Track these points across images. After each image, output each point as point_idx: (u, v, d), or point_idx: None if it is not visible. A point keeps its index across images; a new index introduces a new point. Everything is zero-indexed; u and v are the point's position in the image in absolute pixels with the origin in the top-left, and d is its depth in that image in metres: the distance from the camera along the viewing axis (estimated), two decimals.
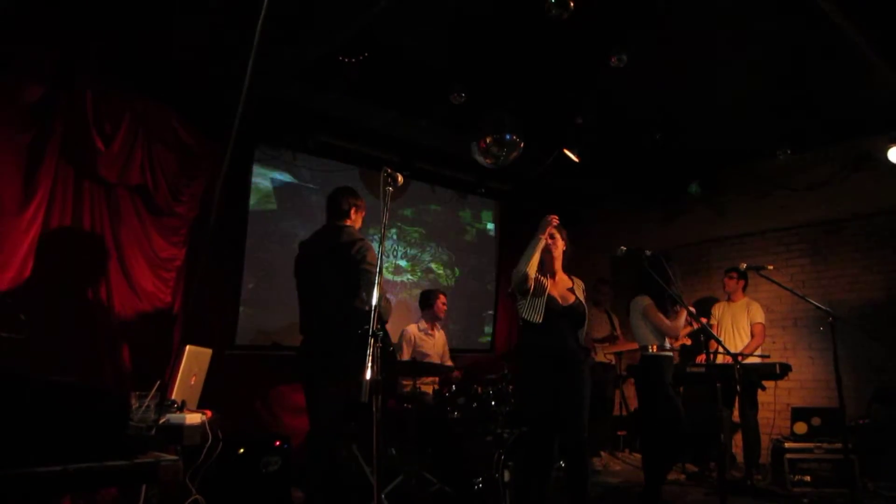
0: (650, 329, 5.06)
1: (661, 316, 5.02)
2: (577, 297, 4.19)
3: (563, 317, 4.08)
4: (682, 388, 6.37)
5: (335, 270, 3.89)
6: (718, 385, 5.17)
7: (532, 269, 4.04)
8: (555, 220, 4.15)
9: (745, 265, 5.54)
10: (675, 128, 6.23)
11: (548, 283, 4.16)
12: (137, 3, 4.20)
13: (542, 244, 4.09)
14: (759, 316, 6.31)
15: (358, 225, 4.20)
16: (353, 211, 4.17)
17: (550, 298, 4.08)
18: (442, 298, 6.29)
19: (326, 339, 3.84)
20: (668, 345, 5.08)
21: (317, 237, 4.20)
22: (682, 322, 5.10)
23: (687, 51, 4.97)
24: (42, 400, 2.02)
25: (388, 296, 3.96)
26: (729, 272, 6.51)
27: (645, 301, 5.09)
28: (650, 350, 5.03)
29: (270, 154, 6.10)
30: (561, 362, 4.01)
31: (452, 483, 5.01)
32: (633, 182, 7.72)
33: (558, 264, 4.26)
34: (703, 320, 5.15)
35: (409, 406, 5.22)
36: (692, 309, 5.13)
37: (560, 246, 4.25)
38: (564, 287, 4.23)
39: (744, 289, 6.48)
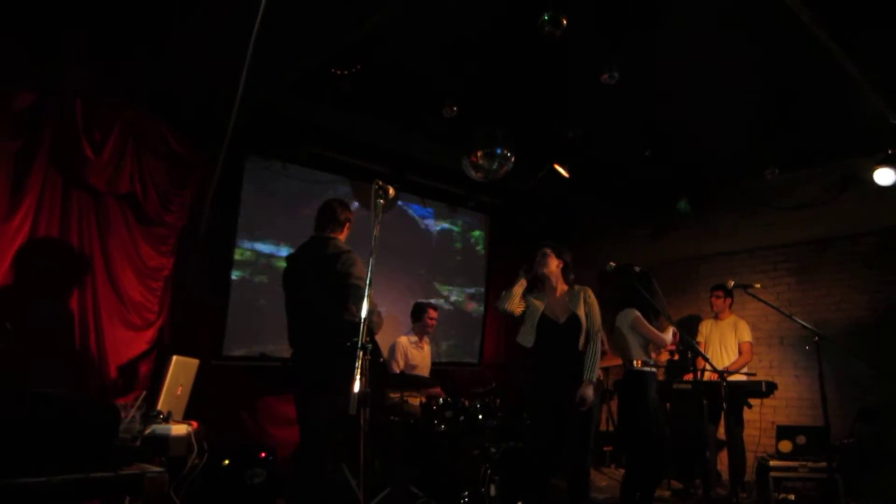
0: (637, 343, 5.07)
1: (651, 326, 5.04)
2: (572, 312, 4.25)
3: (558, 335, 4.13)
4: (668, 405, 6.39)
5: (321, 283, 3.87)
6: (705, 402, 5.22)
7: (511, 305, 4.28)
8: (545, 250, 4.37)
9: (732, 283, 5.58)
10: (665, 145, 6.28)
11: (542, 302, 4.27)
12: (131, 11, 4.20)
13: (520, 285, 4.30)
14: (747, 334, 6.36)
15: (344, 238, 4.19)
16: (346, 224, 4.17)
17: (543, 319, 4.19)
18: (432, 312, 6.30)
19: (315, 352, 3.84)
20: (652, 360, 5.09)
21: (303, 250, 4.18)
22: (669, 337, 5.13)
23: (678, 70, 5.04)
24: (27, 411, 2.01)
25: (378, 309, 3.96)
26: (715, 290, 6.55)
27: (633, 313, 5.11)
28: (635, 365, 5.05)
29: (261, 165, 6.09)
30: (555, 387, 4.06)
31: (439, 497, 4.99)
32: (623, 198, 7.77)
33: (556, 281, 4.37)
34: (677, 337, 5.17)
35: (396, 419, 5.21)
36: (674, 327, 5.16)
37: (552, 265, 4.36)
38: (563, 302, 4.30)
39: (730, 306, 6.54)
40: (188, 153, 5.19)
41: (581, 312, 4.27)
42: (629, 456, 5.09)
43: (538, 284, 4.46)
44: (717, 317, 6.55)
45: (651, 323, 5.09)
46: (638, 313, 5.09)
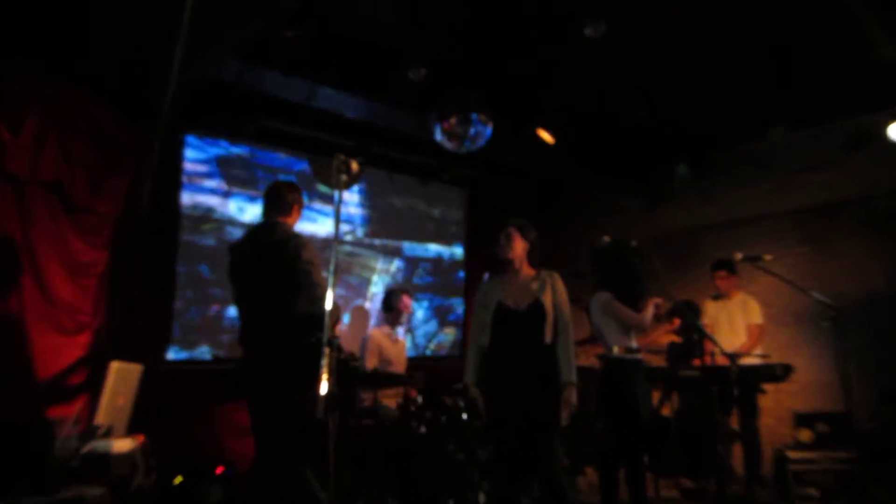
0: (614, 327, 5.07)
1: (625, 308, 5.03)
2: (536, 298, 4.14)
3: (517, 325, 4.09)
4: (674, 394, 6.43)
5: (270, 273, 3.87)
6: (714, 389, 5.23)
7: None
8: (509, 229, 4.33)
9: (740, 255, 5.55)
10: (659, 105, 6.29)
11: (502, 289, 4.21)
12: None
13: (476, 356, 4.22)
14: (756, 315, 6.37)
15: (294, 223, 4.18)
16: (295, 208, 4.17)
17: (500, 308, 4.14)
18: (406, 299, 6.27)
19: (269, 350, 3.82)
20: (635, 345, 5.09)
21: (248, 238, 4.17)
22: (650, 313, 5.11)
23: (671, 19, 5.02)
24: None
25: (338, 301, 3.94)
26: (717, 270, 6.52)
27: (603, 296, 5.11)
28: (616, 352, 5.04)
29: (205, 142, 6.02)
30: (517, 389, 4.00)
31: None
32: (615, 165, 7.77)
33: (519, 264, 4.29)
34: (676, 322, 5.17)
35: (370, 422, 5.19)
36: (659, 300, 5.14)
37: (518, 247, 4.29)
38: (523, 287, 4.21)
39: (736, 284, 6.57)
40: (121, 132, 5.10)
41: (547, 299, 4.16)
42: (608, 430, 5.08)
43: (500, 270, 4.37)
44: (723, 296, 6.58)
45: (633, 304, 5.08)
46: (609, 295, 5.09)
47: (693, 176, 7.36)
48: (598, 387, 5.19)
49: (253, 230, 4.17)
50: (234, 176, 6.28)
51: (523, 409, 3.96)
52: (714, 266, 6.60)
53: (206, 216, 6.08)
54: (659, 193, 7.89)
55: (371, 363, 5.87)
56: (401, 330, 6.33)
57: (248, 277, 3.97)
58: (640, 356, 5.04)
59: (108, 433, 3.25)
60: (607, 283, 5.10)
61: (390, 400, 5.90)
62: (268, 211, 4.14)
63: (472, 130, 5.64)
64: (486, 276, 4.43)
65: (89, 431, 3.08)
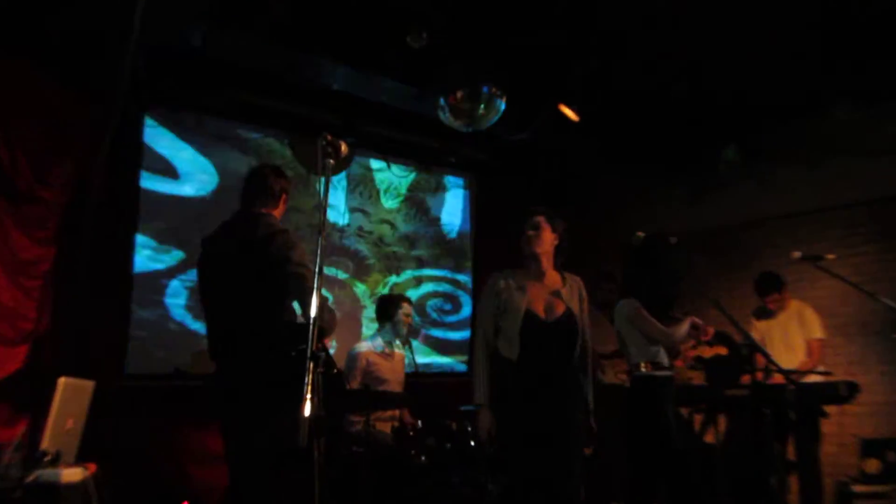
0: (639, 339, 5.10)
1: (652, 320, 5.05)
2: (567, 307, 4.10)
3: (547, 338, 4.05)
4: (719, 417, 6.44)
5: (252, 274, 3.83)
6: (767, 412, 5.24)
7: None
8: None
9: (798, 254, 5.57)
10: (704, 75, 6.29)
11: (526, 293, 4.09)
12: None
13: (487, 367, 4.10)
14: (817, 329, 6.36)
15: (280, 215, 4.16)
16: (283, 198, 4.14)
17: (529, 316, 4.01)
18: (406, 306, 6.27)
19: (245, 366, 3.82)
20: (665, 361, 5.12)
21: (225, 231, 4.10)
22: (683, 331, 5.14)
23: None
24: None
25: (329, 304, 3.93)
26: (768, 293, 6.48)
27: (631, 305, 5.13)
28: (643, 369, 5.08)
29: (168, 119, 6.06)
30: (542, 411, 3.96)
31: None
32: (651, 148, 7.78)
33: (546, 263, 4.18)
34: (710, 330, 5.18)
35: (361, 450, 5.22)
36: (699, 321, 5.16)
37: (547, 240, 4.17)
38: (551, 292, 4.15)
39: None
40: (70, 108, 5.13)
41: (576, 309, 4.14)
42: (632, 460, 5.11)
43: (521, 266, 4.24)
44: (772, 313, 6.57)
45: (666, 315, 5.10)
46: (638, 304, 5.12)
47: (743, 160, 7.36)
48: (627, 406, 5.23)
49: (231, 222, 4.10)
50: (202, 158, 6.33)
51: (559, 439, 3.93)
52: (763, 289, 6.54)
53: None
54: (703, 181, 7.90)
55: (354, 384, 5.81)
56: (397, 343, 6.33)
57: (223, 279, 3.93)
58: (670, 373, 5.07)
59: (56, 460, 3.29)
60: (636, 288, 5.12)
61: (384, 424, 5.92)
62: (250, 200, 4.07)
63: (481, 106, 5.65)
64: (496, 276, 4.23)
65: (34, 458, 3.12)
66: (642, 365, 5.05)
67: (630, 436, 5.19)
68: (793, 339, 6.40)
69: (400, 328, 6.21)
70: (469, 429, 5.37)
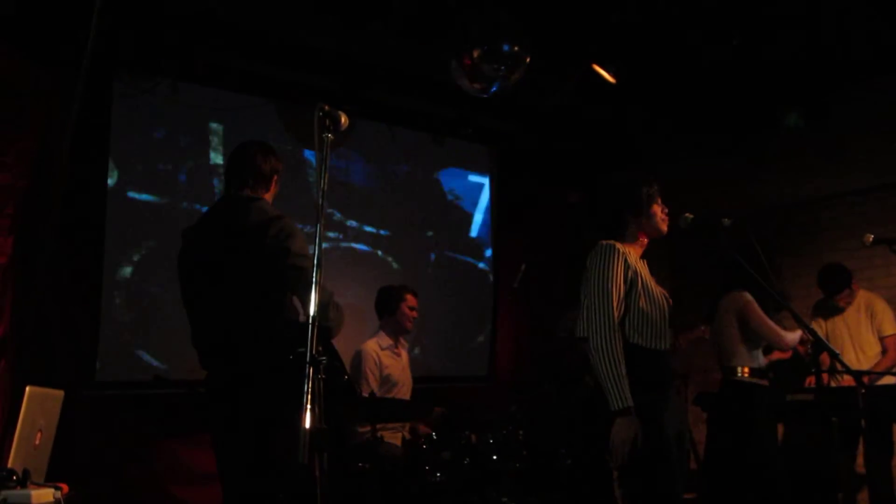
0: (746, 340, 5.11)
1: (768, 319, 5.06)
2: (665, 294, 3.99)
3: (666, 325, 3.90)
4: (780, 425, 6.46)
5: (243, 267, 3.86)
6: (834, 420, 5.26)
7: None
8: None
9: (871, 238, 5.57)
10: (761, 27, 6.26)
11: (642, 272, 3.93)
12: None
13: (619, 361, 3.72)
14: (890, 323, 6.42)
15: (271, 198, 4.16)
16: (274, 179, 4.15)
17: (652, 300, 3.86)
18: (410, 298, 6.33)
19: (237, 371, 3.83)
20: (764, 366, 5.13)
21: (212, 219, 4.14)
22: (795, 339, 5.15)
23: None
24: None
25: (335, 299, 3.91)
26: (838, 293, 6.53)
27: (744, 298, 5.13)
28: (740, 374, 5.09)
29: (139, 86, 6.09)
30: (675, 406, 4.00)
31: None
32: (698, 114, 7.75)
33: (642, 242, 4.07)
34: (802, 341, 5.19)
35: (368, 465, 5.26)
36: (802, 329, 5.15)
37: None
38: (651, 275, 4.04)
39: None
40: (26, 77, 5.15)
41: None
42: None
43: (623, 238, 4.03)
44: (838, 309, 6.61)
45: (769, 311, 5.12)
46: (750, 297, 5.12)
47: (808, 127, 7.32)
48: (718, 413, 5.23)
49: (216, 209, 4.16)
50: (180, 133, 6.38)
51: (679, 429, 3.97)
52: (831, 287, 6.57)
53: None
54: (761, 153, 7.87)
55: (368, 387, 5.86)
56: (403, 340, 6.43)
57: (210, 275, 3.94)
58: (766, 381, 5.09)
59: (24, 481, 3.33)
60: (744, 281, 5.11)
61: (394, 436, 5.95)
62: (236, 182, 4.09)
63: (502, 67, 5.65)
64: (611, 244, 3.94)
65: None
66: (741, 369, 5.05)
67: (718, 446, 5.21)
68: (862, 335, 6.43)
69: (404, 323, 6.28)
70: (491, 441, 5.40)
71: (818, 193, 7.79)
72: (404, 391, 6.22)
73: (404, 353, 6.41)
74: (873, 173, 7.43)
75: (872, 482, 6.04)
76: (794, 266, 7.78)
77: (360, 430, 5.72)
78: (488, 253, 8.26)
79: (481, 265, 8.21)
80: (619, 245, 3.83)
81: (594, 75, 6.50)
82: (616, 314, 3.68)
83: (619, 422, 3.54)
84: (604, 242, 3.86)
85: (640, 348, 3.74)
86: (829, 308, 6.65)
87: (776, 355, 6.30)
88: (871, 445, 5.98)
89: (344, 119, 3.10)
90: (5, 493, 3.13)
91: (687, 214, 4.79)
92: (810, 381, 6.13)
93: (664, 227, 4.00)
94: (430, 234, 7.87)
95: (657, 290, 3.91)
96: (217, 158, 6.48)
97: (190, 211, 6.23)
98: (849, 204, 7.64)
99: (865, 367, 6.19)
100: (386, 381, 6.05)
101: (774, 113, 7.33)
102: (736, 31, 6.23)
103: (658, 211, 3.96)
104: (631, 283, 3.78)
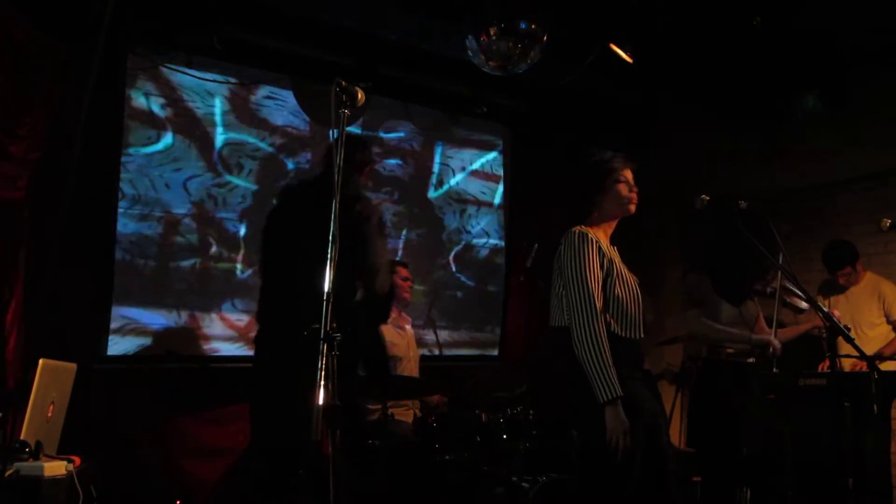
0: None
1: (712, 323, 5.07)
2: (636, 277, 4.07)
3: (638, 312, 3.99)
4: (791, 410, 6.46)
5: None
6: (847, 405, 5.26)
7: None
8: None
9: (888, 222, 5.58)
10: (781, 7, 6.23)
11: (614, 255, 4.01)
12: None
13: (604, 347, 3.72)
14: None
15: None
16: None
17: (627, 288, 3.94)
18: (402, 271, 6.39)
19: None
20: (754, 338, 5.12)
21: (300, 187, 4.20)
22: (766, 338, 5.13)
23: None
24: None
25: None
26: (840, 269, 6.54)
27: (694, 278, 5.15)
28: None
29: (155, 60, 6.11)
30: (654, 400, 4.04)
31: None
32: (716, 94, 7.73)
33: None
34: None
35: (377, 442, 5.29)
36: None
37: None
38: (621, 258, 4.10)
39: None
40: (41, 49, 5.15)
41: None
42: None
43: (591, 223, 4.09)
44: (843, 288, 6.62)
45: (737, 297, 5.12)
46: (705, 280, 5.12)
47: (826, 108, 7.29)
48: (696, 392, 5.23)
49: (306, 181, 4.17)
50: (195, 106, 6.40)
51: (665, 432, 3.98)
52: (834, 261, 6.59)
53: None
54: (779, 135, 7.84)
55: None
56: (405, 314, 6.47)
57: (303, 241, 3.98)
58: (752, 359, 5.09)
59: (37, 453, 3.36)
60: (702, 261, 5.13)
61: (404, 413, 5.97)
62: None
63: (519, 45, 5.64)
64: (581, 230, 3.98)
65: (12, 451, 3.19)
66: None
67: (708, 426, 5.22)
68: (864, 317, 6.47)
69: (401, 294, 6.32)
70: (501, 420, 5.43)
71: (836, 177, 7.76)
72: (411, 366, 6.25)
73: (408, 328, 6.45)
74: (891, 157, 7.40)
75: (867, 465, 6.02)
76: (808, 251, 7.77)
77: (371, 407, 5.75)
78: (501, 232, 8.28)
79: (494, 243, 8.23)
80: (589, 232, 3.89)
81: (610, 55, 6.49)
82: (599, 304, 3.70)
83: (609, 411, 3.56)
84: (575, 230, 3.90)
85: (616, 336, 3.77)
86: (833, 286, 6.68)
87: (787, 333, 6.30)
88: (871, 429, 5.96)
89: (361, 95, 3.11)
90: (17, 465, 3.15)
91: (703, 196, 4.79)
92: (823, 364, 6.13)
93: (631, 208, 4.02)
94: (441, 211, 7.88)
95: (630, 277, 3.96)
96: (229, 133, 6.50)
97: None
98: (865, 187, 7.62)
99: (864, 348, 6.20)
100: (392, 357, 6.09)
101: (793, 95, 7.30)
102: (755, 11, 6.20)
103: (623, 190, 3.98)
104: (607, 271, 3.84)
